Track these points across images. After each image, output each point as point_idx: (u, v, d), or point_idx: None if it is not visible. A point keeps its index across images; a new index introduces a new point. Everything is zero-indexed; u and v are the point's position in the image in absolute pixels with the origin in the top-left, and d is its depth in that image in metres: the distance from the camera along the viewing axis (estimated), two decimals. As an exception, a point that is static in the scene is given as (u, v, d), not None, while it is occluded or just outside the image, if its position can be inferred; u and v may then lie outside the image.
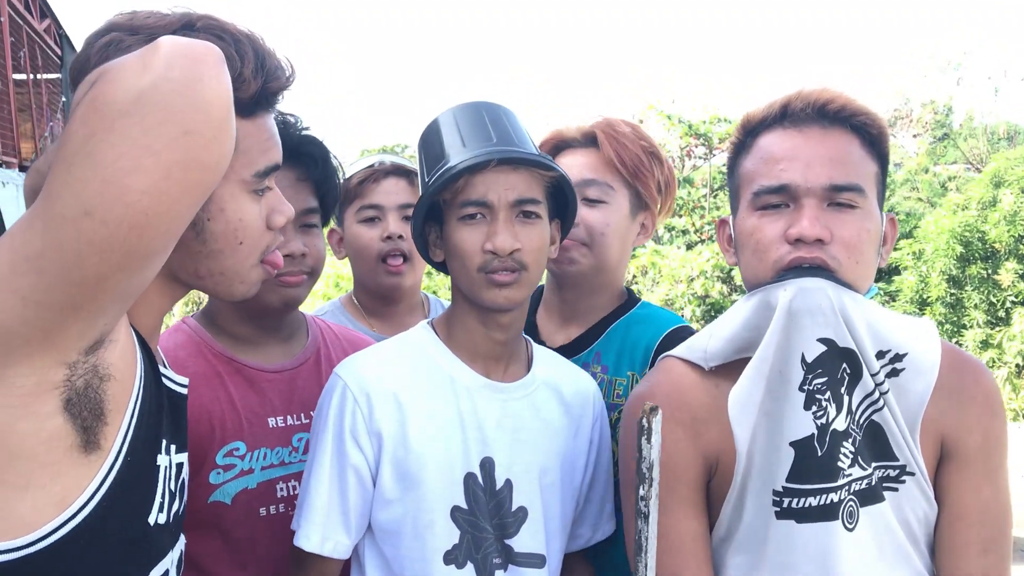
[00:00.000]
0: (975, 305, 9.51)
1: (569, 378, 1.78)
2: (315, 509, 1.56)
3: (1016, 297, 9.40)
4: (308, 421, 1.84)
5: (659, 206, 2.10)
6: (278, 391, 1.84)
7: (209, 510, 1.70)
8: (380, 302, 2.43)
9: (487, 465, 1.61)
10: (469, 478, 1.59)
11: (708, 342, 1.52)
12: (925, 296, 9.88)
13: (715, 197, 15.02)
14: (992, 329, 9.43)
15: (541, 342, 1.97)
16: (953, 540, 1.45)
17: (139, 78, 0.89)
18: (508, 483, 1.62)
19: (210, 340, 1.81)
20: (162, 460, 1.15)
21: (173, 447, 1.20)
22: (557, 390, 1.73)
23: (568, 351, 2.01)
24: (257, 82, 1.13)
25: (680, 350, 1.58)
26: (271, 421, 1.81)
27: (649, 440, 1.01)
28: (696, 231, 14.01)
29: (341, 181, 2.04)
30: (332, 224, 2.43)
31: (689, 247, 13.44)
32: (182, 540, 1.27)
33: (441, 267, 1.69)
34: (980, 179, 10.49)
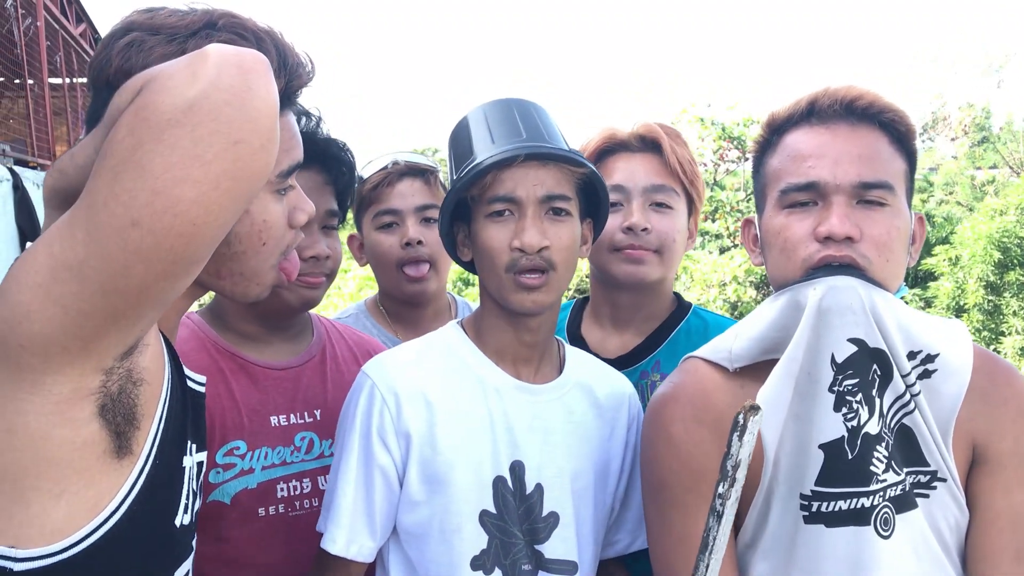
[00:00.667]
0: (1014, 312, 9.31)
1: (603, 380, 1.74)
2: (341, 511, 1.54)
3: (1057, 304, 9.21)
4: (311, 420, 1.84)
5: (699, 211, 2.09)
6: (281, 389, 1.82)
7: (207, 510, 1.67)
8: (406, 307, 2.39)
9: (517, 469, 1.58)
10: (498, 481, 1.57)
11: (733, 343, 1.49)
12: (962, 303, 9.68)
13: (749, 201, 14.90)
14: (1032, 336, 9.23)
15: (594, 355, 1.91)
16: (985, 547, 1.41)
17: (189, 87, 0.87)
18: (539, 487, 1.59)
19: (214, 336, 1.80)
20: (187, 461, 1.15)
21: (194, 447, 1.20)
22: (590, 392, 1.70)
23: (625, 361, 1.98)
24: (281, 81, 1.11)
25: (704, 351, 1.56)
26: (273, 419, 1.79)
27: (741, 438, 0.94)
28: (729, 235, 13.91)
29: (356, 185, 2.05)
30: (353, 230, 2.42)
31: (722, 251, 13.34)
32: (195, 539, 1.27)
33: (469, 266, 1.68)
34: (1019, 183, 10.30)
